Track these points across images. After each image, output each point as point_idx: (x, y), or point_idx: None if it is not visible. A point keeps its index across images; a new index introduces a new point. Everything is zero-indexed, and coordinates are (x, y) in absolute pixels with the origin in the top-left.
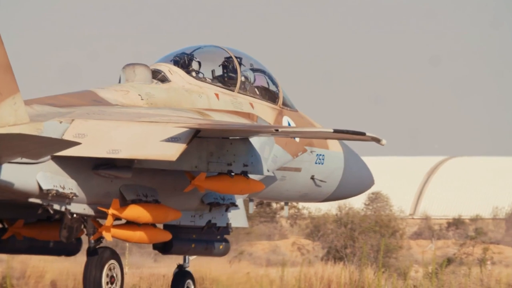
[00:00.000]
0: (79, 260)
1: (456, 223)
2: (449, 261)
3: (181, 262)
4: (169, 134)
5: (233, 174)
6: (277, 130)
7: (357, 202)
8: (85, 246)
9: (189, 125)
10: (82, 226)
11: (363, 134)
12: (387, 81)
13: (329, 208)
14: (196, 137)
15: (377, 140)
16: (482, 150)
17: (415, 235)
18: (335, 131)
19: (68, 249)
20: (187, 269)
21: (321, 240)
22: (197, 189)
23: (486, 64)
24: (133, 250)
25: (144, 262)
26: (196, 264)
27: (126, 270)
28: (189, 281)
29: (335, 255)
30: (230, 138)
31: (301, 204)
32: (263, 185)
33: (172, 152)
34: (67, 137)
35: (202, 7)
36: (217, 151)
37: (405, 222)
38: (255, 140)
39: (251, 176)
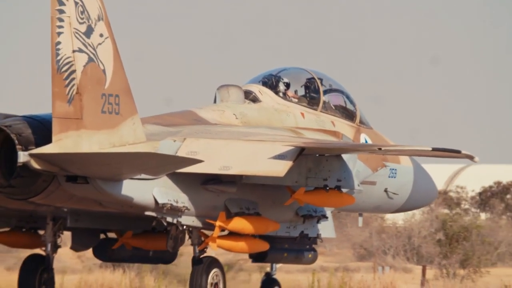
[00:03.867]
0: None
1: None
2: (229, 267)
3: (269, 270)
4: (277, 151)
5: (328, 188)
6: (380, 149)
7: None
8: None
9: (295, 144)
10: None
11: (458, 152)
12: (387, 81)
13: None
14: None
15: (471, 158)
16: None
17: None
18: (434, 149)
19: (165, 258)
20: (274, 276)
21: None
22: (293, 202)
23: (486, 64)
24: None
25: None
26: None
27: None
28: (277, 287)
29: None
30: (325, 155)
31: None
32: (354, 198)
33: (280, 168)
34: (181, 154)
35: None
36: (315, 167)
37: None
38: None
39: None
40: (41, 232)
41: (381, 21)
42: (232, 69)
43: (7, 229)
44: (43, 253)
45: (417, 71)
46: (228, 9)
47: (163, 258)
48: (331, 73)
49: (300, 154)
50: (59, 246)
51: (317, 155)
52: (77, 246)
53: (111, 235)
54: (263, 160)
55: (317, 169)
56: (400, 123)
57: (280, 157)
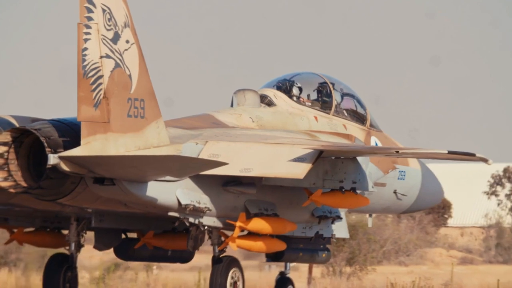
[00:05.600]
0: None
1: None
2: (116, 266)
3: (283, 269)
4: (297, 154)
5: (343, 190)
6: (397, 152)
7: None
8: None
9: (314, 147)
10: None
11: (473, 155)
12: (387, 81)
13: None
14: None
15: (485, 161)
16: None
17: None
18: (449, 152)
19: (183, 257)
20: (288, 275)
21: None
22: (309, 203)
23: (486, 64)
24: None
25: None
26: None
27: None
28: (290, 286)
29: None
30: (341, 157)
31: None
32: (368, 200)
33: (300, 171)
34: (203, 157)
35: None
36: (331, 170)
37: None
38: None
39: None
40: (64, 232)
41: (381, 21)
42: (232, 69)
43: (32, 229)
44: (67, 252)
45: (417, 71)
46: (227, 10)
47: (181, 258)
48: (331, 73)
49: (319, 157)
50: (83, 246)
51: (333, 157)
52: (100, 245)
53: (131, 235)
54: (283, 162)
55: (333, 171)
56: (400, 123)
57: (300, 159)
